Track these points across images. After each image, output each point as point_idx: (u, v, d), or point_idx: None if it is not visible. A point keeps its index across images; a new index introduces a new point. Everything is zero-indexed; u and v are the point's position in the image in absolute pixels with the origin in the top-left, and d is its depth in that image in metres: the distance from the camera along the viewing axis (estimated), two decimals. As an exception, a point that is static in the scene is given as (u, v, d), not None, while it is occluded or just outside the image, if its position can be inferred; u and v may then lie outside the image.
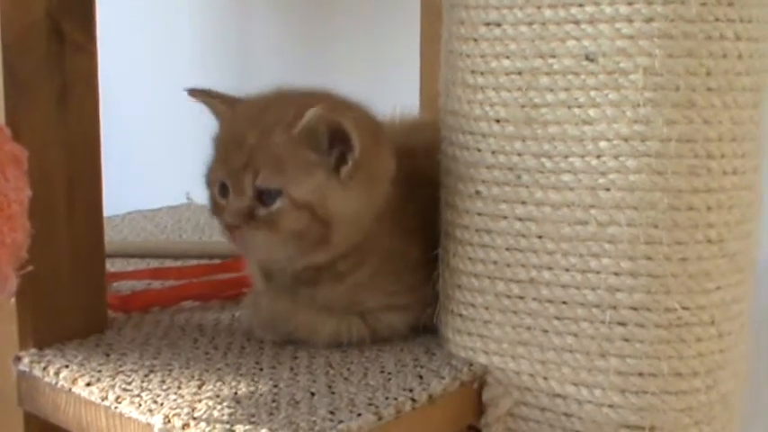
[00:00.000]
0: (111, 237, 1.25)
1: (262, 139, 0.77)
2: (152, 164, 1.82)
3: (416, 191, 0.84)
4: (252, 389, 0.74)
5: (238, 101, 0.84)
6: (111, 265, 1.09)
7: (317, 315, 0.83)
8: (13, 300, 0.79)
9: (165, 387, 0.73)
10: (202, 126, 0.85)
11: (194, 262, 1.12)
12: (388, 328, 0.85)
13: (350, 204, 0.79)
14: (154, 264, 1.12)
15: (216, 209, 0.81)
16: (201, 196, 0.86)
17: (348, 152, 0.77)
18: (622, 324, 0.75)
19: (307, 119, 0.76)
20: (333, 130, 0.76)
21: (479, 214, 0.79)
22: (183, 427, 0.67)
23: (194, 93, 0.83)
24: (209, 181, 0.82)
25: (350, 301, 0.84)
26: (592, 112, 0.73)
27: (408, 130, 0.94)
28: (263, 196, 0.77)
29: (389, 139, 0.84)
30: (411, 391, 0.74)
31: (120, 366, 0.77)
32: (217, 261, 1.10)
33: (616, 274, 0.74)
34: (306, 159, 0.77)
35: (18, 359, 0.80)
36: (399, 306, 0.85)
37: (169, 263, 1.13)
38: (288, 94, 0.84)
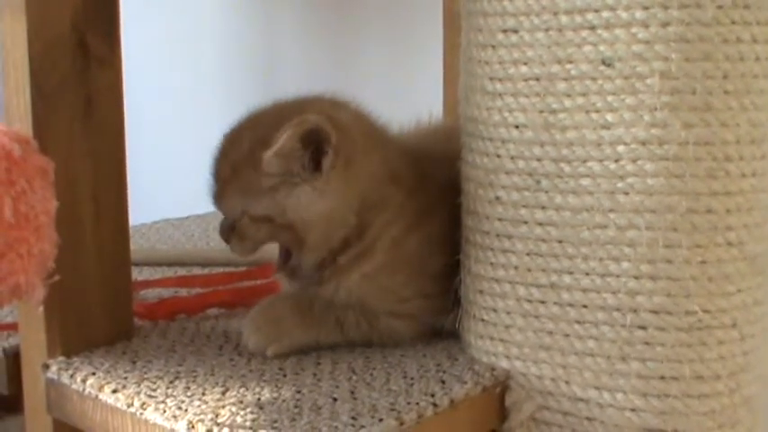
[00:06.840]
0: (140, 245, 1.27)
1: (231, 173, 0.84)
2: (180, 173, 1.84)
3: (443, 198, 0.85)
4: (275, 395, 0.75)
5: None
6: (140, 274, 1.11)
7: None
8: (41, 309, 0.80)
9: (189, 393, 0.75)
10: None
11: (221, 269, 1.13)
12: (390, 334, 0.86)
13: (318, 208, 0.82)
14: (181, 272, 1.14)
15: None
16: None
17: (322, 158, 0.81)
18: (643, 327, 0.75)
19: (269, 154, 0.80)
20: (306, 141, 0.80)
21: (500, 219, 0.80)
22: (207, 433, 0.68)
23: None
24: None
25: (358, 298, 0.84)
26: (609, 116, 0.73)
27: (430, 137, 0.95)
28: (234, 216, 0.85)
29: (383, 141, 0.87)
30: (433, 396, 0.75)
31: (146, 373, 0.79)
32: (243, 269, 1.12)
33: (636, 277, 0.74)
34: (269, 182, 0.82)
35: (46, 367, 0.82)
36: (404, 314, 0.85)
37: (197, 270, 1.15)
38: (267, 111, 0.86)
